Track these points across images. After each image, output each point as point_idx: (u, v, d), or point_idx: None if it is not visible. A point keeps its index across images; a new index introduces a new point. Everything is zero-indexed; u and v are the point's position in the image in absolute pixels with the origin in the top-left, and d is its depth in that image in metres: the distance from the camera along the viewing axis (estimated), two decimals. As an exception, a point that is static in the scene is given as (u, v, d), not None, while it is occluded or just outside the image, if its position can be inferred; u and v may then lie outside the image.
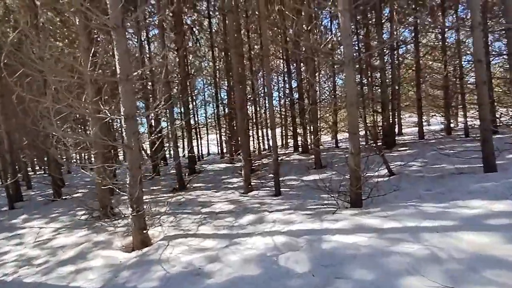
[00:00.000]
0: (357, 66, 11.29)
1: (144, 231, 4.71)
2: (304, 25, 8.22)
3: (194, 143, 20.02)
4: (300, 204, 5.35)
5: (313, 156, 9.83)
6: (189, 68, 16.45)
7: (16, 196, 9.65)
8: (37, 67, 4.23)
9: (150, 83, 11.48)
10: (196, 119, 19.26)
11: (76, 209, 7.32)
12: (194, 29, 15.30)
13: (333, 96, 13.55)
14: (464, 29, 9.42)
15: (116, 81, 4.60)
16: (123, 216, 5.43)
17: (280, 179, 7.48)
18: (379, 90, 11.03)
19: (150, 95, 11.26)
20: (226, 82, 14.12)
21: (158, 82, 7.48)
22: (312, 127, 9.92)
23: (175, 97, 16.27)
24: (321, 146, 9.74)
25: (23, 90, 4.36)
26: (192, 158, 11.50)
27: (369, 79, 12.88)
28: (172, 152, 10.56)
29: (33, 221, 7.20)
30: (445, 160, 6.92)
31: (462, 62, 10.75)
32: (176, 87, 12.58)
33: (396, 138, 12.04)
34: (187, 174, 9.88)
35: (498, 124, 8.95)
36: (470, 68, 10.23)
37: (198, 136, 18.74)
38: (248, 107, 14.60)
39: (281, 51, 15.03)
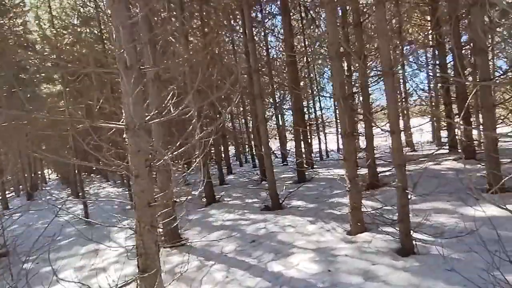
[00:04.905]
0: None
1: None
2: None
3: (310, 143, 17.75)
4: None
5: (481, 166, 5.99)
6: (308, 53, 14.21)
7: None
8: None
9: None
10: (321, 113, 16.79)
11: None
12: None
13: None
14: None
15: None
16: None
17: (417, 207, 4.53)
18: None
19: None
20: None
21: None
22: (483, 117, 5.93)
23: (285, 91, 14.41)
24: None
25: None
26: (300, 165, 9.30)
27: None
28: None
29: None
30: None
31: None
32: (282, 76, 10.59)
33: None
34: (284, 188, 7.77)
35: None
36: None
37: (321, 132, 16.29)
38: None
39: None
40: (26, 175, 19.54)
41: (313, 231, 4.73)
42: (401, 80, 13.74)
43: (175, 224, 4.67)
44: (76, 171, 9.44)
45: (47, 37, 8.85)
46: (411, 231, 3.56)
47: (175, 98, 3.25)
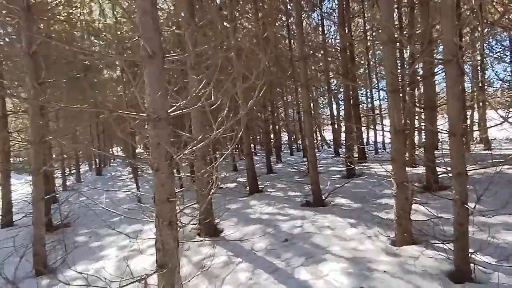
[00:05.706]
0: None
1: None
2: None
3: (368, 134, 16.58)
4: None
5: None
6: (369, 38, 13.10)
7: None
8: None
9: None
10: (379, 103, 15.44)
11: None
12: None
13: None
14: None
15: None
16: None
17: (482, 219, 3.87)
18: None
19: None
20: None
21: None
22: None
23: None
24: None
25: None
26: (349, 160, 8.66)
27: None
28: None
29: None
30: None
31: None
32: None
33: None
34: (329, 183, 7.26)
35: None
36: None
37: (378, 123, 15.10)
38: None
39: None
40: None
41: (352, 236, 4.29)
42: (479, 67, 11.96)
43: (203, 211, 4.63)
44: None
45: (108, 26, 9.38)
46: (470, 253, 2.97)
47: (210, 85, 3.06)
